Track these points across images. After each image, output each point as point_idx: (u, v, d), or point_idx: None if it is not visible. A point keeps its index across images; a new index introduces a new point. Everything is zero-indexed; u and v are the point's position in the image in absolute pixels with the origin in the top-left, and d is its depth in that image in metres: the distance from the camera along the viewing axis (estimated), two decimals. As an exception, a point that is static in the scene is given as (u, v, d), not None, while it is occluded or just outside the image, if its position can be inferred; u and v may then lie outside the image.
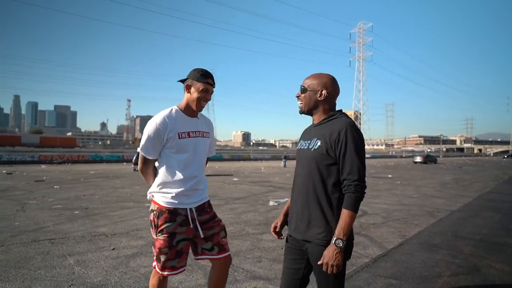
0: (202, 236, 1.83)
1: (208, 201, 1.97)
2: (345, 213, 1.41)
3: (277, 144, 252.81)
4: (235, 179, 14.33)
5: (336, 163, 1.46)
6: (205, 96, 1.80)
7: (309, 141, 1.58)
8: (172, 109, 1.84)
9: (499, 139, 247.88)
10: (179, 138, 1.77)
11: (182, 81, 1.85)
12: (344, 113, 1.58)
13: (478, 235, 4.67)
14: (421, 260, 3.56)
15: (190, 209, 1.82)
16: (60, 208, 6.52)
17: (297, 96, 1.64)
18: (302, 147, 1.63)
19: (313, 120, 1.64)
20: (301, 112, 1.64)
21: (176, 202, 1.80)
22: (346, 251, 1.42)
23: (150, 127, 1.76)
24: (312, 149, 1.52)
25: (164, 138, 1.76)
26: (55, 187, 10.35)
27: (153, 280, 1.85)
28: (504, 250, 3.96)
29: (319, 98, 1.56)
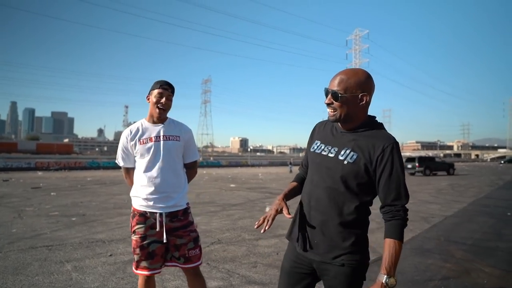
0: (164, 241, 1.87)
1: (185, 209, 1.97)
2: (396, 245, 1.20)
3: (274, 150, 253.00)
4: (232, 185, 14.36)
5: (370, 182, 1.28)
6: (159, 100, 1.90)
7: (336, 148, 1.32)
8: (139, 122, 2.01)
9: (495, 145, 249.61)
10: (140, 143, 1.91)
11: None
12: (381, 123, 1.37)
13: (470, 240, 4.75)
14: (413, 264, 3.63)
15: (160, 214, 1.87)
16: (57, 215, 6.54)
17: (328, 103, 1.31)
18: (324, 153, 1.35)
19: (339, 124, 1.38)
20: (334, 122, 1.36)
21: (147, 204, 1.88)
22: (363, 271, 1.32)
23: (120, 140, 1.99)
24: (345, 161, 1.27)
25: (129, 147, 1.94)
26: (52, 194, 10.34)
27: (139, 280, 1.97)
28: (494, 254, 4.04)
29: (360, 104, 1.28)
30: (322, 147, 1.37)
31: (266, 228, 1.32)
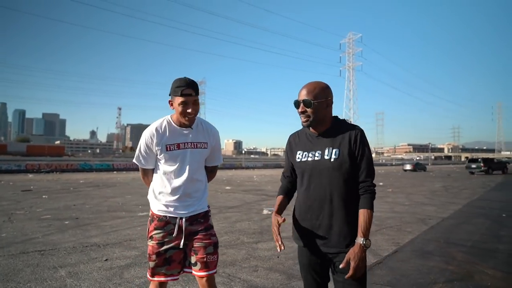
0: (181, 246, 1.78)
1: (206, 212, 1.90)
2: (368, 213, 1.45)
3: (268, 152, 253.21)
4: (227, 187, 14.26)
5: (355, 167, 1.49)
6: (185, 110, 1.72)
7: (319, 151, 1.52)
8: (164, 120, 1.83)
9: (484, 147, 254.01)
10: (167, 150, 1.77)
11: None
12: (343, 119, 1.61)
13: (469, 242, 4.74)
14: (415, 267, 3.60)
15: (181, 219, 1.79)
16: (49, 218, 6.36)
17: (302, 112, 1.52)
18: (311, 158, 1.54)
19: (311, 129, 1.58)
20: (308, 127, 1.57)
21: (167, 210, 1.79)
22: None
23: (141, 139, 1.82)
24: (332, 159, 1.48)
25: (154, 149, 1.79)
26: (44, 196, 10.10)
27: (151, 287, 1.84)
28: (495, 256, 4.03)
29: (326, 108, 1.53)
30: (307, 154, 1.56)
31: (283, 248, 1.48)
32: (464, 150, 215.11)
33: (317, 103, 1.50)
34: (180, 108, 1.73)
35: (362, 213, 1.45)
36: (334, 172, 1.47)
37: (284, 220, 1.50)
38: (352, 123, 1.60)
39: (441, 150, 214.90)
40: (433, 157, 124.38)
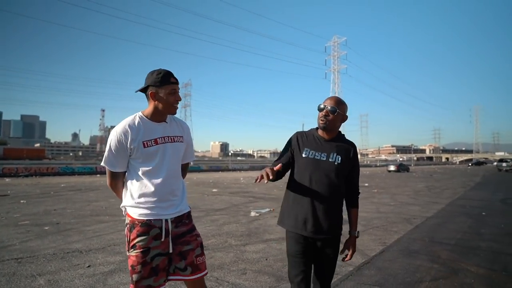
0: (171, 251, 1.66)
1: (189, 212, 1.80)
2: (357, 211, 1.89)
3: (255, 154, 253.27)
4: (214, 190, 14.12)
5: (348, 173, 1.84)
6: (175, 98, 1.66)
7: (325, 153, 1.81)
8: (135, 116, 1.69)
9: (463, 148, 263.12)
10: (144, 147, 1.64)
11: (143, 90, 1.68)
12: (343, 134, 1.94)
13: (453, 240, 4.85)
14: (402, 266, 3.64)
15: (166, 221, 1.65)
16: (27, 224, 6.09)
17: (325, 114, 1.79)
18: (317, 157, 1.80)
19: (320, 133, 1.86)
20: (323, 128, 1.82)
21: (150, 213, 1.64)
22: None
23: (111, 138, 1.65)
24: (336, 162, 1.78)
25: (127, 148, 1.63)
26: (22, 201, 9.67)
27: None
28: (477, 254, 4.13)
29: (341, 122, 1.85)
30: (314, 153, 1.81)
31: (269, 179, 1.63)
32: (445, 151, 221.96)
33: (338, 114, 1.80)
34: (170, 97, 1.65)
35: (353, 211, 1.87)
36: (334, 173, 1.77)
37: (280, 167, 1.74)
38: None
39: (423, 151, 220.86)
40: (415, 158, 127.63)
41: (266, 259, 3.88)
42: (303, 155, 1.81)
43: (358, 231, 1.88)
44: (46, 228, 5.71)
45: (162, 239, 1.65)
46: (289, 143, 1.90)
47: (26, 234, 5.22)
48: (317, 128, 1.89)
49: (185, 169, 1.91)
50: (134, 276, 1.60)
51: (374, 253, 4.18)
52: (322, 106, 1.82)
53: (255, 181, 1.66)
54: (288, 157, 1.87)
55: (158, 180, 1.65)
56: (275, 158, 1.93)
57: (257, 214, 7.28)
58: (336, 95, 1.97)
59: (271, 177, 1.63)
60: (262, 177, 1.64)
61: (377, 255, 4.10)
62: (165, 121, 1.73)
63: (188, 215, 1.78)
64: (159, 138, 1.68)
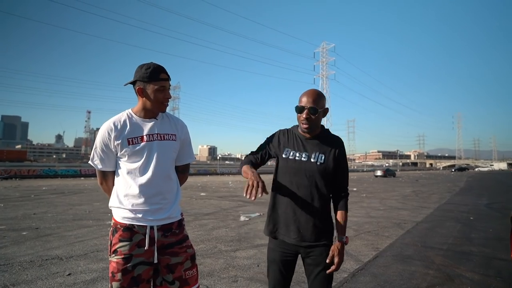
0: (155, 261, 1.54)
1: (180, 220, 1.65)
2: (346, 214, 1.65)
3: (243, 158, 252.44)
4: (203, 193, 13.88)
5: (334, 175, 1.64)
6: (164, 95, 1.56)
7: (307, 153, 1.64)
8: (123, 114, 1.61)
9: (446, 154, 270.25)
10: (129, 144, 1.54)
11: (132, 83, 1.58)
12: (327, 128, 1.76)
13: (445, 245, 4.83)
14: (397, 272, 3.56)
15: (151, 227, 1.52)
16: (4, 229, 5.75)
17: (307, 118, 1.60)
18: (298, 158, 1.64)
19: (301, 131, 1.68)
20: (309, 133, 1.66)
21: (134, 217, 1.52)
22: (331, 243, 1.64)
23: (97, 136, 1.58)
24: (318, 162, 1.62)
25: (112, 146, 1.55)
26: (-1, 205, 9.22)
27: None
28: (470, 259, 4.11)
29: (322, 117, 1.67)
30: (296, 154, 1.65)
31: (260, 196, 1.39)
32: (429, 157, 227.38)
33: (320, 112, 1.63)
34: (159, 94, 1.55)
35: (341, 214, 1.64)
36: (318, 174, 1.60)
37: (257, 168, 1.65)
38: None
39: (408, 156, 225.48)
40: (401, 164, 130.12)
41: (258, 266, 3.74)
42: (283, 156, 1.66)
43: (346, 237, 1.63)
44: (24, 233, 5.39)
45: (146, 248, 1.51)
46: (270, 139, 1.75)
47: (1, 240, 4.91)
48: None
49: (183, 171, 1.78)
50: (114, 284, 1.48)
51: (368, 258, 4.10)
52: (300, 106, 1.62)
53: (248, 198, 1.40)
54: (264, 151, 1.72)
55: (143, 180, 1.53)
56: (285, 157, 1.69)
57: (247, 219, 7.13)
58: (310, 89, 1.67)
59: (266, 193, 1.43)
60: (253, 191, 1.40)
61: (371, 260, 4.02)
62: (156, 118, 1.62)
63: (179, 224, 1.63)
64: (146, 135, 1.57)
